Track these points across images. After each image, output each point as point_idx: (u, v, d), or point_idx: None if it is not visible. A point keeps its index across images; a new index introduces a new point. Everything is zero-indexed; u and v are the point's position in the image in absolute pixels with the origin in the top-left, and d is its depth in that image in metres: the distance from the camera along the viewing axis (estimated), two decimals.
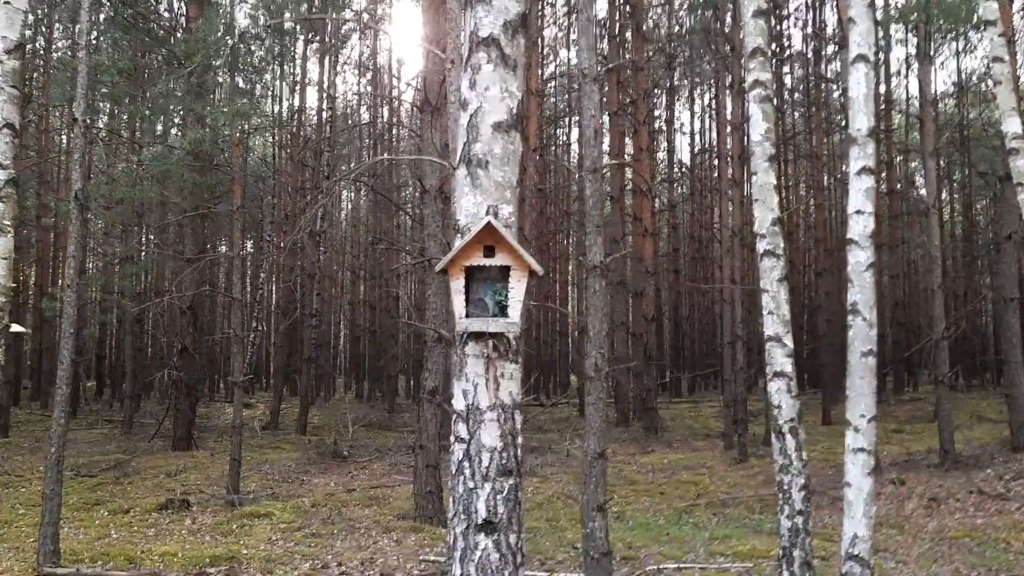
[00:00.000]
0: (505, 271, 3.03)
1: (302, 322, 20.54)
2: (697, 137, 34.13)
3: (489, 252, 3.03)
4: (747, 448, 14.36)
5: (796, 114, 30.06)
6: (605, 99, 15.43)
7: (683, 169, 31.76)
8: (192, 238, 15.64)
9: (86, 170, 7.88)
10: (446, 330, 9.39)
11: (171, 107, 8.79)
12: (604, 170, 7.61)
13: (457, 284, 3.04)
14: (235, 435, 10.98)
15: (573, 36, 27.24)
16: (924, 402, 23.09)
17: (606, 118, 17.54)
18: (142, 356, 26.10)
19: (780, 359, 5.46)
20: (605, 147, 17.54)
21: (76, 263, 7.93)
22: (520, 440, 3.18)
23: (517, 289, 3.03)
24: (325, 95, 24.09)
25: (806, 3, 26.60)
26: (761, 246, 5.64)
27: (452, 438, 3.18)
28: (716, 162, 33.61)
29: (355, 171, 13.80)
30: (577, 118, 31.14)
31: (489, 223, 2.99)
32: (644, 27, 18.52)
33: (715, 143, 33.27)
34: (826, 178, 25.35)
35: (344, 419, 16.60)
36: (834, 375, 22.93)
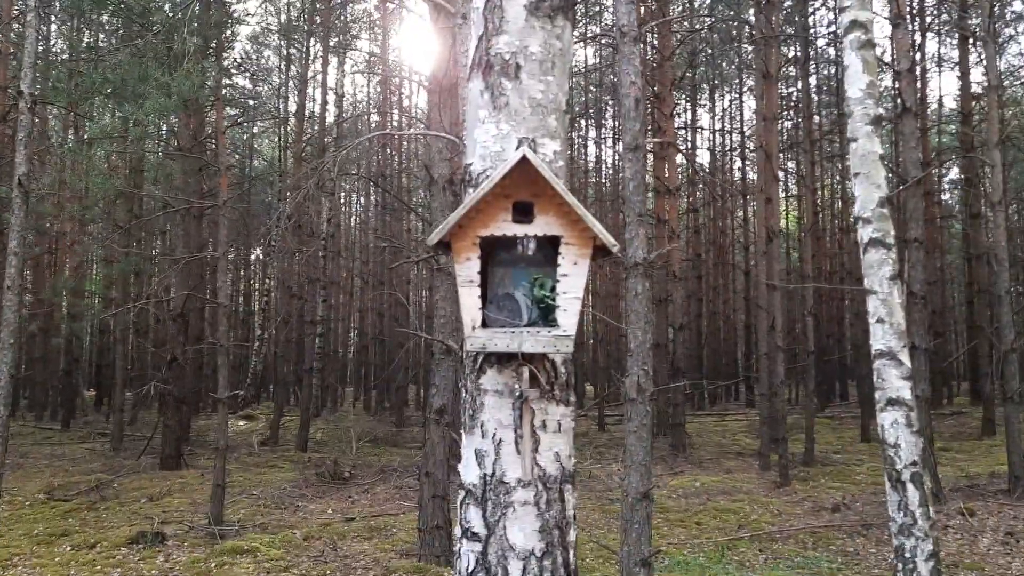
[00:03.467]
0: (551, 246, 1.77)
1: (304, 330, 19.29)
2: (718, 138, 32.82)
3: (523, 213, 1.75)
4: (788, 469, 12.99)
5: (822, 115, 28.70)
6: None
7: (705, 171, 30.43)
8: (184, 239, 14.42)
9: (31, 153, 6.77)
10: (455, 340, 8.10)
11: (129, 76, 7.68)
12: (648, 147, 6.34)
13: (467, 268, 1.75)
14: (219, 459, 9.72)
15: (592, 33, 26.03)
16: (967, 416, 21.64)
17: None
18: (139, 365, 24.97)
19: (895, 382, 4.14)
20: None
21: (19, 261, 6.69)
22: (574, 536, 1.89)
23: (574, 278, 1.74)
24: (332, 93, 22.92)
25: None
26: (865, 233, 4.32)
27: (457, 530, 1.92)
28: (739, 163, 32.35)
29: (348, 148, 12.57)
30: (592, 121, 29.91)
31: (524, 159, 1.71)
32: (669, 13, 17.24)
33: (738, 144, 31.98)
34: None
35: (348, 435, 15.33)
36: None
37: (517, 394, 1.79)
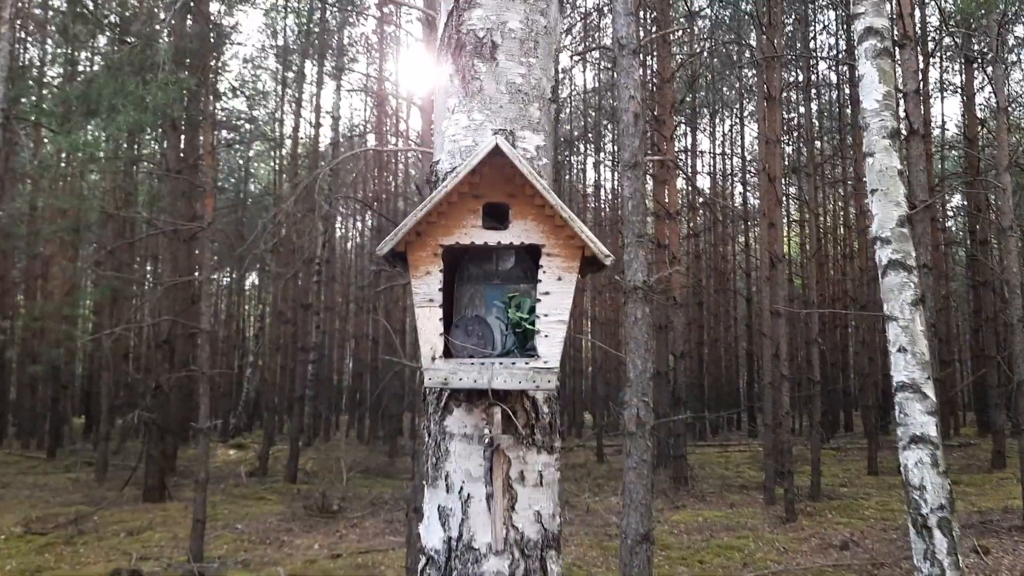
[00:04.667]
0: (530, 258, 1.44)
1: (296, 357, 18.90)
2: (719, 163, 32.62)
3: (497, 217, 1.42)
4: (794, 504, 12.55)
5: (824, 140, 28.52)
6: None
7: (705, 194, 30.19)
8: (172, 263, 14.09)
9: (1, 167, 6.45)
10: None
11: (106, 90, 7.39)
12: (647, 165, 6.03)
13: (426, 284, 1.41)
14: (199, 492, 9.31)
15: (590, 54, 25.91)
16: (976, 448, 21.18)
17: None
18: (129, 392, 24.52)
19: (919, 417, 3.79)
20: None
21: None
22: None
23: (558, 296, 1.40)
24: (328, 116, 22.72)
25: (836, 20, 25.20)
26: (884, 254, 3.99)
27: None
28: (740, 188, 32.13)
29: (330, 164, 12.27)
30: (592, 144, 29.73)
31: (497, 150, 1.37)
32: (670, 39, 17.05)
33: (738, 169, 31.78)
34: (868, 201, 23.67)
35: (338, 465, 14.90)
36: (879, 416, 21.14)
37: (488, 439, 1.44)
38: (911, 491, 3.73)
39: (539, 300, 1.41)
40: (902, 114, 10.23)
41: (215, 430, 28.72)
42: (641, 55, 18.41)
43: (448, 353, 1.43)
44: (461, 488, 1.49)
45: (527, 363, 1.39)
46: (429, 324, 1.40)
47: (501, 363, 1.39)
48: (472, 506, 1.48)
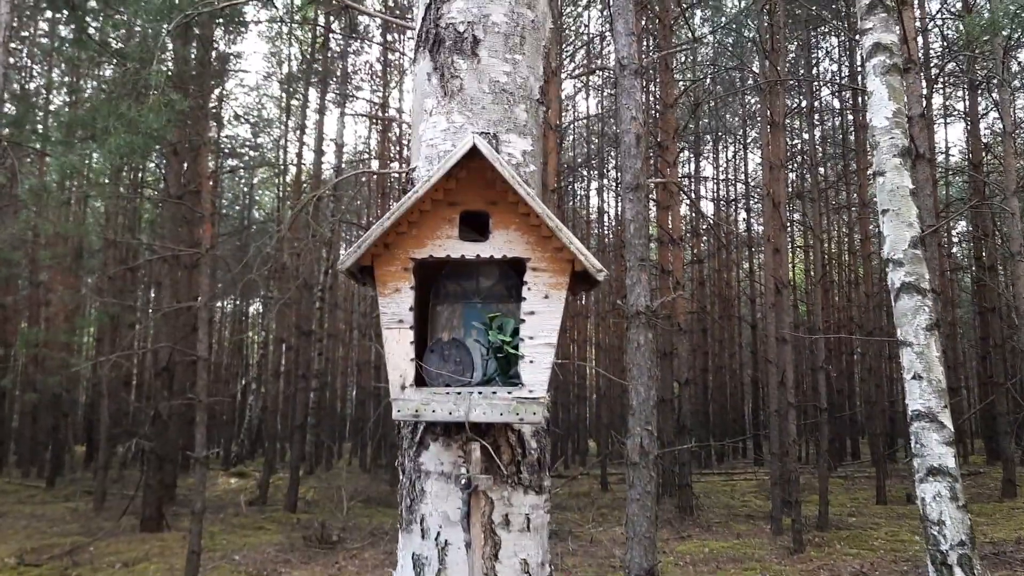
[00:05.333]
0: (514, 273, 1.28)
1: (297, 384, 18.71)
2: (722, 189, 32.55)
3: (476, 227, 1.27)
4: (802, 534, 12.26)
5: (827, 166, 28.44)
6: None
7: (709, 218, 30.09)
8: (171, 290, 13.96)
9: None
10: None
11: (100, 113, 7.30)
12: (650, 188, 5.89)
13: (395, 303, 1.25)
14: (195, 523, 9.10)
15: (593, 80, 25.95)
16: (985, 476, 20.83)
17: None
18: (131, 420, 24.31)
19: (936, 448, 3.60)
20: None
21: None
22: None
23: (544, 316, 1.24)
24: (332, 143, 22.72)
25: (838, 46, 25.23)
26: (896, 277, 3.83)
27: None
28: (744, 215, 32.02)
29: (331, 183, 12.14)
30: (595, 171, 29.70)
31: (475, 150, 1.22)
32: (672, 65, 16.99)
33: (742, 196, 31.71)
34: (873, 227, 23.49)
35: (339, 494, 14.65)
36: (887, 444, 20.82)
37: (465, 479, 1.27)
38: (929, 526, 3.53)
39: (524, 321, 1.25)
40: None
41: (216, 458, 28.49)
42: (644, 80, 18.38)
43: (421, 381, 1.27)
44: (438, 534, 1.33)
45: (510, 392, 1.23)
46: (398, 348, 1.24)
47: (480, 392, 1.23)
48: (450, 554, 1.32)
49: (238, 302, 32.37)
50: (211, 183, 12.86)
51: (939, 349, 3.73)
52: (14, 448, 27.69)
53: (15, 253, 12.60)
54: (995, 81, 10.91)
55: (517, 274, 1.31)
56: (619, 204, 28.46)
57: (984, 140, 19.55)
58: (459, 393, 1.23)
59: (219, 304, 29.68)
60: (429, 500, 1.34)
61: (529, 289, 1.25)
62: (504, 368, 1.27)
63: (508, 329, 1.27)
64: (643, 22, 17.82)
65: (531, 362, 1.24)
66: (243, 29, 17.28)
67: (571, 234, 1.22)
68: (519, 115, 1.47)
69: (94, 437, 29.07)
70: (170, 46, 11.55)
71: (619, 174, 27.36)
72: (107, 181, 12.05)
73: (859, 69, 25.72)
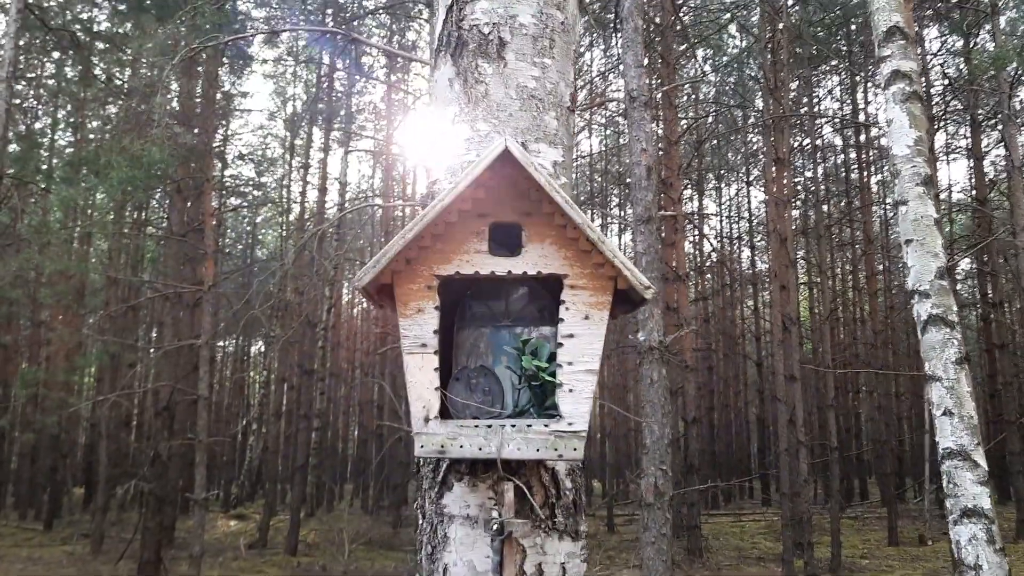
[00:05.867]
0: (549, 292, 1.15)
1: (299, 424, 18.48)
2: (725, 226, 32.52)
3: (507, 242, 1.14)
4: None
5: (831, 203, 28.42)
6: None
7: (716, 248, 30.02)
8: (173, 328, 13.82)
9: None
10: None
11: (103, 149, 7.25)
12: (657, 219, 5.78)
13: (417, 325, 1.12)
14: (194, 567, 8.86)
15: (596, 119, 26.05)
16: (998, 517, 20.44)
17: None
18: (131, 461, 24.01)
19: (971, 488, 3.43)
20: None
21: None
22: None
23: (586, 340, 1.10)
24: (336, 182, 22.75)
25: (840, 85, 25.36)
26: (923, 309, 3.70)
27: None
28: (748, 252, 31.94)
29: (336, 218, 12.04)
30: (599, 208, 29.69)
31: (507, 154, 1.10)
32: (675, 102, 17.03)
33: (745, 233, 31.65)
34: (879, 262, 23.42)
35: (341, 537, 14.36)
36: (897, 483, 20.47)
37: (496, 525, 1.13)
38: (965, 571, 3.35)
39: (561, 345, 1.11)
40: None
41: (216, 499, 28.10)
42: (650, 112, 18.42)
43: (446, 413, 1.14)
44: None
45: (546, 425, 1.10)
46: (421, 376, 1.11)
47: (514, 426, 1.09)
48: None
49: (240, 341, 32.19)
50: (214, 221, 12.79)
51: (969, 384, 3.59)
52: (12, 490, 27.33)
53: (15, 291, 12.51)
54: (1001, 116, 10.91)
55: (550, 294, 1.18)
56: (621, 241, 28.46)
57: (988, 176, 19.50)
58: (489, 426, 1.09)
59: (221, 343, 29.49)
60: (453, 548, 1.20)
61: (567, 309, 1.11)
62: (539, 398, 1.14)
63: (543, 354, 1.14)
64: (646, 61, 17.89)
65: (570, 391, 1.10)
66: (248, 66, 17.35)
67: (614, 246, 1.09)
68: (549, 123, 1.35)
69: (93, 478, 28.72)
70: (175, 85, 11.60)
71: (622, 211, 27.38)
72: (111, 217, 12.00)
73: (862, 106, 25.86)
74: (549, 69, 1.37)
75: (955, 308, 3.67)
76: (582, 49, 25.23)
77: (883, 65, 4.06)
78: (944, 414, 3.54)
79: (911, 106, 3.95)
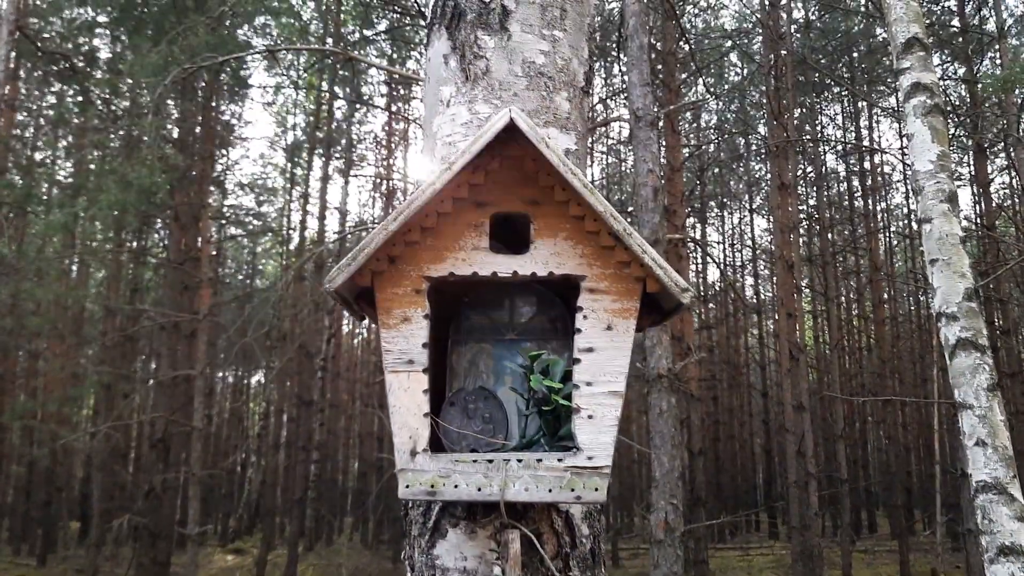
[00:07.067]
0: (559, 297, 0.95)
1: (297, 457, 18.17)
2: (728, 255, 32.36)
3: (512, 237, 0.94)
4: None
5: (835, 231, 28.28)
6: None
7: (725, 276, 29.87)
8: (169, 359, 13.60)
9: None
10: None
11: (94, 171, 7.10)
12: (664, 243, 5.58)
13: (403, 337, 0.90)
14: None
15: (597, 147, 25.99)
16: None
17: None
18: (127, 495, 23.64)
19: (1008, 524, 3.21)
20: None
21: None
22: None
23: (608, 354, 0.89)
24: (336, 211, 22.64)
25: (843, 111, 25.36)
26: (951, 332, 3.49)
27: None
28: (751, 280, 31.75)
29: (330, 243, 11.88)
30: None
31: (512, 125, 0.90)
32: (679, 127, 16.91)
33: (749, 261, 31.49)
34: (886, 291, 23.21)
35: (339, 572, 14.02)
36: (907, 515, 20.06)
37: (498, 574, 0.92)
38: None
39: (578, 361, 0.91)
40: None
41: (214, 533, 27.66)
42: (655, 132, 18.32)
43: (438, 445, 0.93)
44: None
45: (560, 460, 0.89)
46: (407, 399, 0.90)
47: (520, 460, 0.88)
48: None
49: (239, 372, 31.92)
50: (212, 249, 12.62)
51: (1002, 412, 3.38)
52: (6, 524, 26.94)
53: (4, 320, 12.32)
54: (1010, 140, 10.76)
55: (564, 301, 0.98)
56: None
57: (996, 202, 19.33)
58: (491, 461, 0.88)
59: (220, 375, 29.23)
60: None
61: (585, 318, 0.91)
62: (551, 427, 0.93)
63: (556, 374, 0.93)
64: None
65: (589, 417, 0.90)
66: (246, 92, 17.29)
67: (643, 240, 0.89)
68: (560, 104, 1.16)
69: (88, 512, 28.32)
70: (174, 112, 11.51)
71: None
72: (108, 247, 11.84)
73: (865, 134, 25.80)
74: (560, 43, 1.18)
75: (985, 331, 3.46)
76: None
77: (902, 78, 3.90)
78: (977, 444, 3.32)
79: (933, 120, 3.78)
